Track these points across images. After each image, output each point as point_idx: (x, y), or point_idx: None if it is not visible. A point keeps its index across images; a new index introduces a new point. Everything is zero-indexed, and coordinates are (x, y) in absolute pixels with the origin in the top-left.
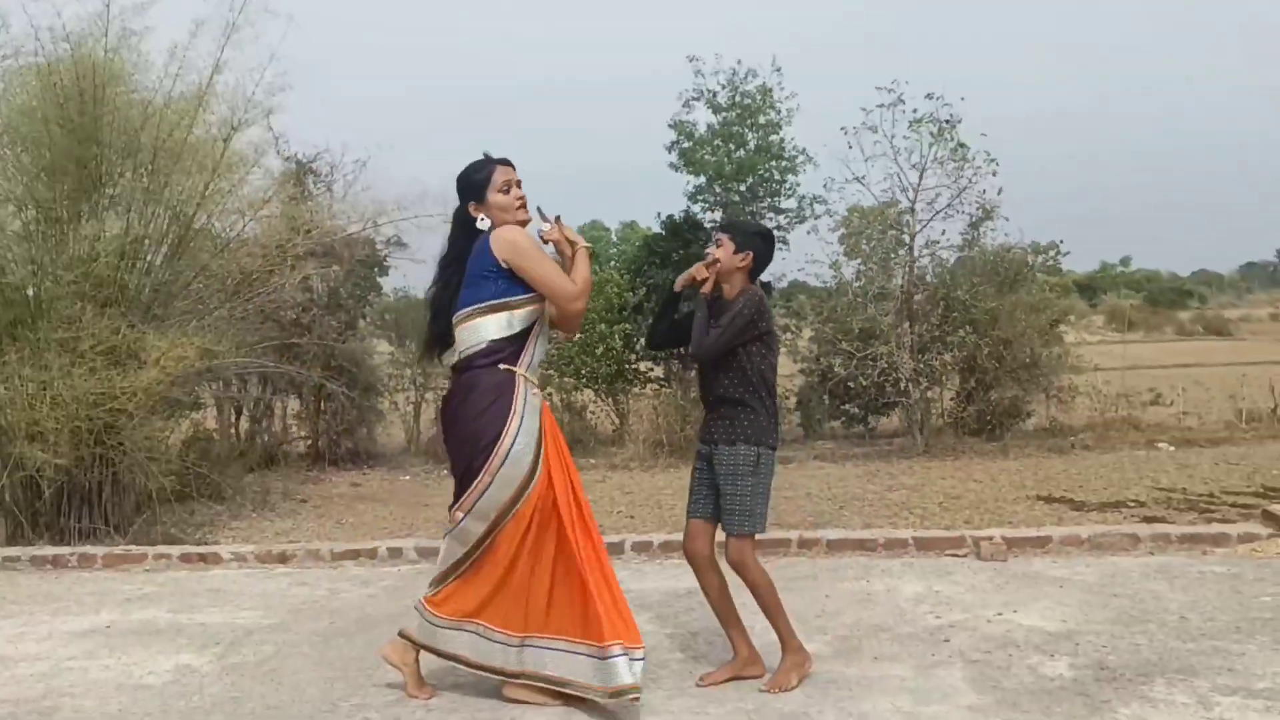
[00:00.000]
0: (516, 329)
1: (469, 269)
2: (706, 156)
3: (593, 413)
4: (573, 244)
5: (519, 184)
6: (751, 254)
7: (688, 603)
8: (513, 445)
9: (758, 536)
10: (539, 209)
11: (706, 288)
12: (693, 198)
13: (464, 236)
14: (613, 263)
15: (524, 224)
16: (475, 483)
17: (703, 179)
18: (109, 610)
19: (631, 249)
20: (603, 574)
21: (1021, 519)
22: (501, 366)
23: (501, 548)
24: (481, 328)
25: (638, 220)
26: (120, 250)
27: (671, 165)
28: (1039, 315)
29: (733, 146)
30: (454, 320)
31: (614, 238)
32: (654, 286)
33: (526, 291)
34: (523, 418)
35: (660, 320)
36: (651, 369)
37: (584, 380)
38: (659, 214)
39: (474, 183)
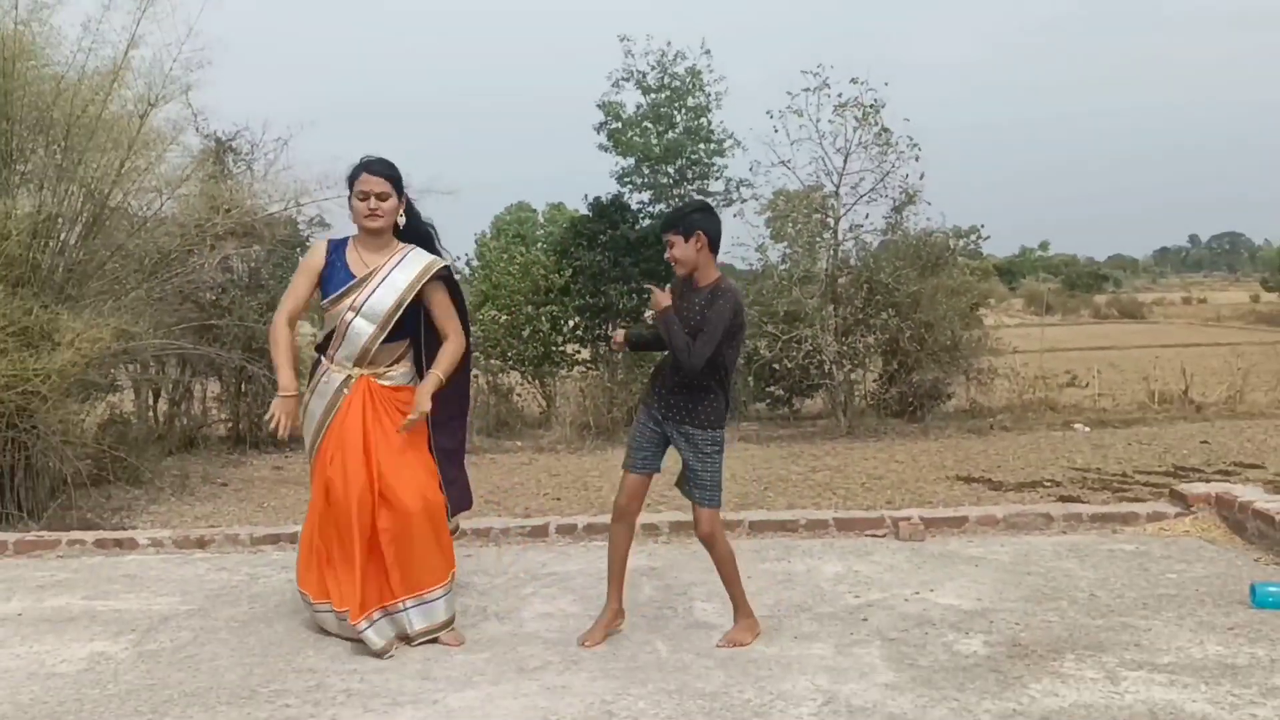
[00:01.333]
0: (327, 329)
1: None
2: (635, 138)
3: (519, 395)
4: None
5: (381, 197)
6: (701, 234)
7: None
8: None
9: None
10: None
11: (620, 344)
12: (621, 179)
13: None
14: (540, 245)
15: (371, 232)
16: None
17: (631, 160)
18: (20, 598)
19: (559, 231)
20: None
21: (941, 499)
22: (320, 358)
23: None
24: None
25: (565, 202)
26: (32, 229)
27: (600, 146)
28: (960, 299)
29: (661, 128)
30: None
31: (541, 219)
32: (580, 268)
33: (325, 296)
34: (309, 398)
35: (649, 348)
36: (578, 351)
37: (510, 362)
38: (586, 195)
39: (348, 178)
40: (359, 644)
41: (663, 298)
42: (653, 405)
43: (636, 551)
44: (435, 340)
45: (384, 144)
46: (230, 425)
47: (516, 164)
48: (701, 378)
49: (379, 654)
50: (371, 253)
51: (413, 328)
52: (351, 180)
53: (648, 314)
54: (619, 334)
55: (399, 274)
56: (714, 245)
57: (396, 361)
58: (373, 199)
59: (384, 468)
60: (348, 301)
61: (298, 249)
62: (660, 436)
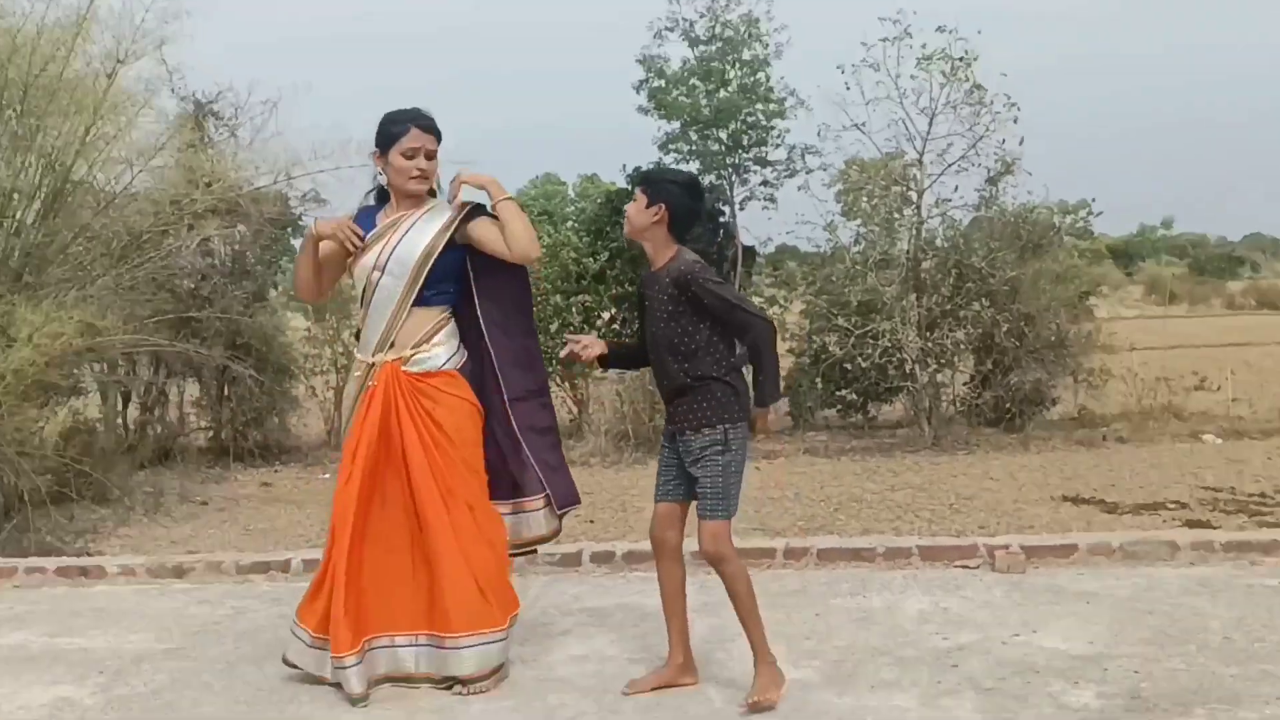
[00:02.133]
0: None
1: None
2: (680, 98)
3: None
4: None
5: (429, 156)
6: (664, 205)
7: (657, 623)
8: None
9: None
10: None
11: (588, 354)
12: (664, 146)
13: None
14: (570, 223)
15: (413, 196)
16: None
17: (676, 124)
18: None
19: (592, 207)
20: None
21: (1044, 524)
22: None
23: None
24: None
25: (599, 174)
26: None
27: (640, 109)
28: (1066, 286)
29: (711, 86)
30: None
31: (572, 193)
32: (617, 251)
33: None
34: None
35: (627, 365)
36: None
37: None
38: (624, 166)
39: (384, 132)
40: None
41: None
42: (667, 423)
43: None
44: (470, 317)
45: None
46: (211, 434)
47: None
48: (696, 368)
49: (352, 701)
50: (405, 210)
51: (452, 294)
52: (393, 135)
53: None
54: (594, 345)
55: (434, 218)
56: (675, 225)
57: (429, 339)
58: (422, 157)
59: (418, 477)
60: (372, 255)
61: (289, 230)
62: (677, 457)
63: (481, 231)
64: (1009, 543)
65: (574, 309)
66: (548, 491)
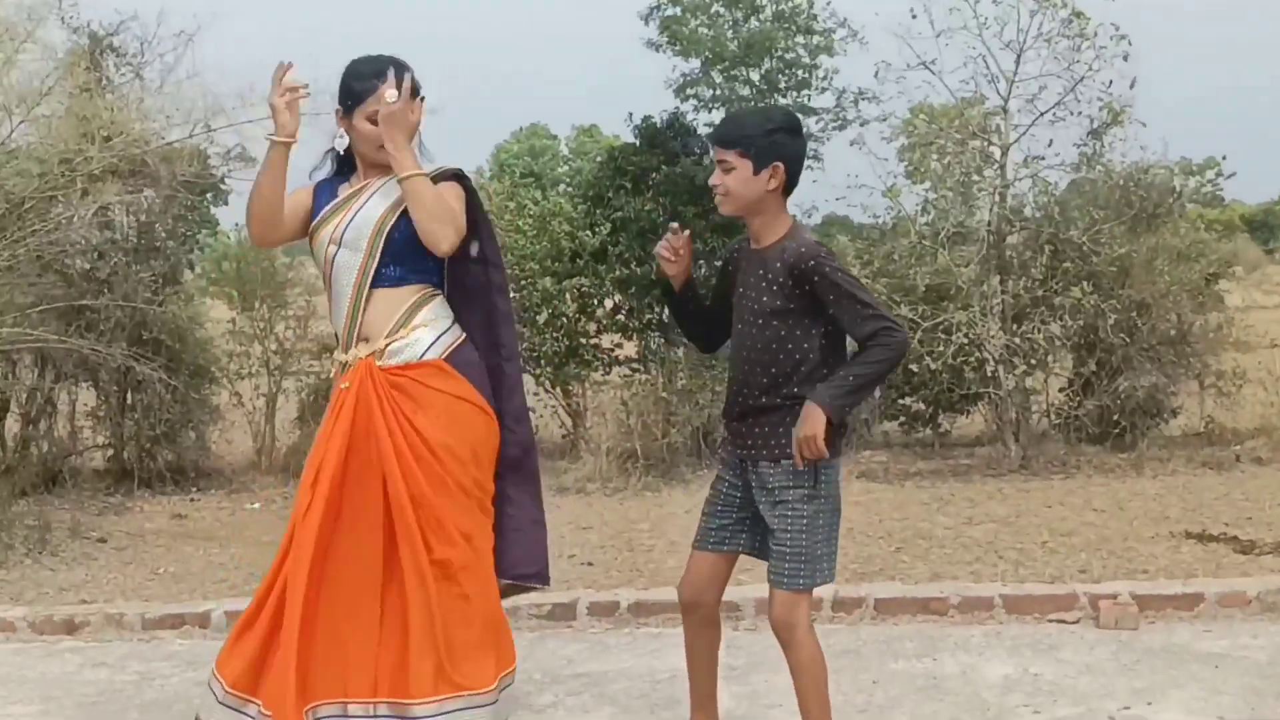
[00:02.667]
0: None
1: None
2: (702, 29)
3: (534, 410)
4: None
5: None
6: (780, 164)
7: (671, 690)
8: None
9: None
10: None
11: (674, 273)
12: (680, 91)
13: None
14: (562, 186)
15: (379, 167)
16: None
17: (696, 63)
18: None
19: (590, 166)
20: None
21: (1161, 567)
22: None
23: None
24: None
25: (599, 124)
26: None
27: (650, 43)
28: (1190, 266)
29: (739, 14)
30: None
31: (565, 149)
32: (622, 222)
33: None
34: None
35: (690, 324)
36: (619, 345)
37: (521, 361)
38: (629, 115)
39: (347, 88)
40: None
41: (817, 422)
42: (727, 445)
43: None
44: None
45: (332, 38)
46: (111, 453)
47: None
48: (794, 384)
49: None
50: (371, 178)
51: (432, 272)
52: (359, 94)
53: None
54: (682, 262)
55: (396, 185)
56: (791, 183)
57: (406, 322)
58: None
59: (393, 502)
60: (329, 228)
61: (208, 196)
62: (742, 493)
63: None
64: (1117, 591)
65: (568, 295)
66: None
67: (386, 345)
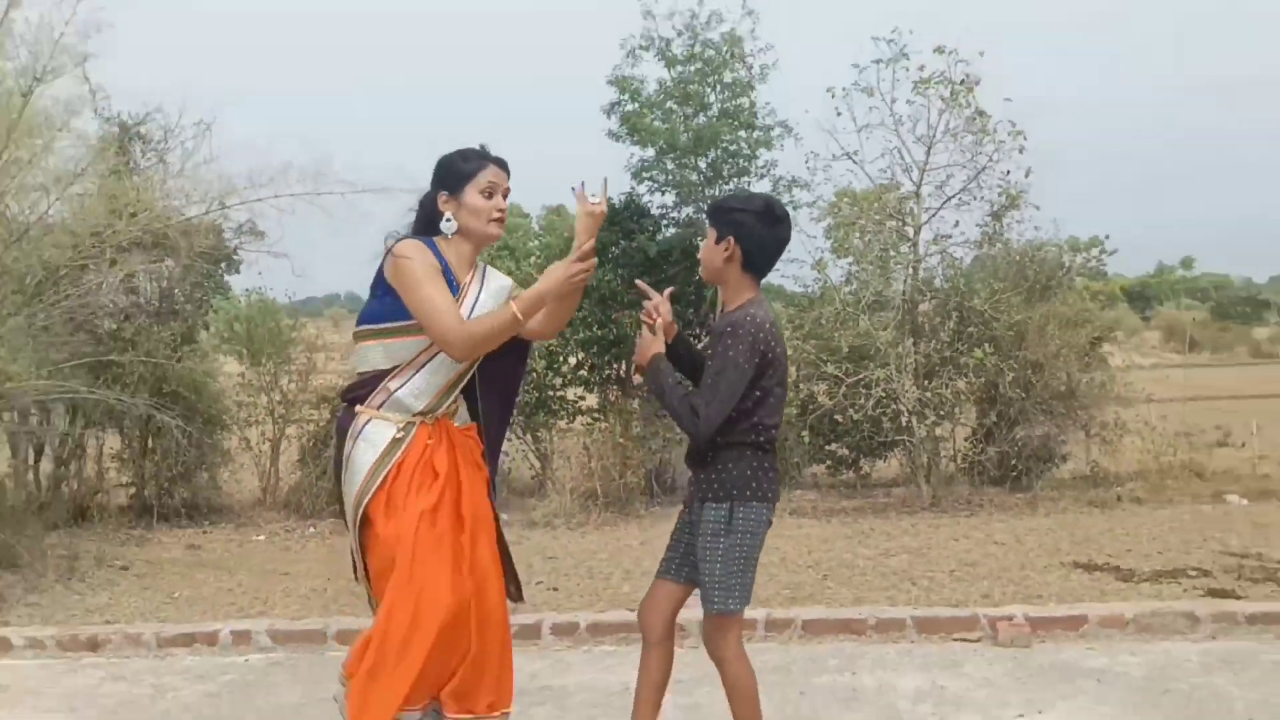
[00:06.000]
0: (392, 362)
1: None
2: (656, 123)
3: (506, 454)
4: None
5: (506, 194)
6: (733, 239)
7: (624, 701)
8: (356, 495)
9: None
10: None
11: (656, 333)
12: (638, 175)
13: (425, 230)
14: (533, 259)
15: (493, 239)
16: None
17: (650, 151)
18: None
19: (558, 241)
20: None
21: (1053, 592)
22: (357, 408)
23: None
24: (361, 355)
25: (566, 205)
26: None
27: (611, 134)
28: (1077, 331)
29: (690, 110)
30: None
31: (535, 226)
32: (587, 290)
33: (409, 318)
34: (351, 458)
35: (687, 371)
36: (582, 397)
37: None
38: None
39: (456, 171)
40: None
41: (650, 344)
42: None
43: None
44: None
45: (341, 124)
46: (133, 491)
47: (504, 153)
48: (723, 434)
49: None
50: (460, 266)
51: None
52: (466, 173)
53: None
54: (657, 336)
55: (493, 282)
56: (751, 260)
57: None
58: (500, 195)
59: (479, 544)
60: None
61: (222, 265)
62: (690, 530)
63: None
64: (1013, 613)
65: (536, 353)
66: None
67: (454, 407)
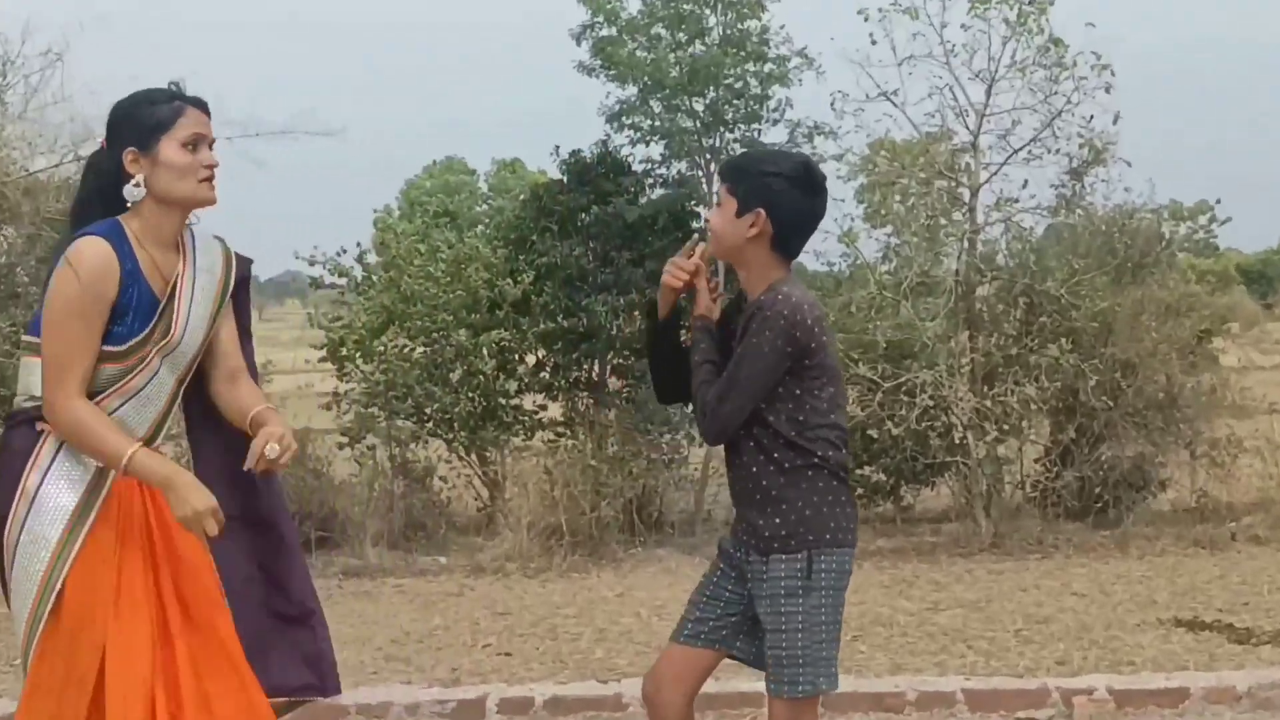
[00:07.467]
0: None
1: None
2: (639, 52)
3: (444, 479)
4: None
5: (212, 145)
6: (763, 211)
7: None
8: (20, 535)
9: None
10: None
11: (701, 301)
12: (615, 119)
13: (99, 200)
14: (481, 228)
15: (206, 204)
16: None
17: (632, 89)
18: None
19: (513, 206)
20: None
21: (1148, 658)
22: (39, 425)
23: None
24: (32, 370)
25: (522, 158)
26: None
27: (581, 65)
28: (1180, 322)
29: (683, 37)
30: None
31: (484, 185)
32: (547, 268)
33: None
34: (36, 494)
35: (659, 364)
36: (543, 407)
37: (430, 424)
38: (556, 149)
39: (144, 120)
40: None
41: (677, 271)
42: (732, 532)
43: None
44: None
45: (217, 58)
46: None
47: (443, 95)
48: (776, 448)
49: None
50: (161, 249)
51: None
52: (160, 120)
53: (660, 295)
54: (691, 255)
55: (203, 280)
56: (783, 237)
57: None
58: (206, 149)
59: (182, 646)
60: (155, 346)
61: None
62: (736, 586)
63: (222, 330)
64: (1093, 685)
65: (485, 350)
66: None
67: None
